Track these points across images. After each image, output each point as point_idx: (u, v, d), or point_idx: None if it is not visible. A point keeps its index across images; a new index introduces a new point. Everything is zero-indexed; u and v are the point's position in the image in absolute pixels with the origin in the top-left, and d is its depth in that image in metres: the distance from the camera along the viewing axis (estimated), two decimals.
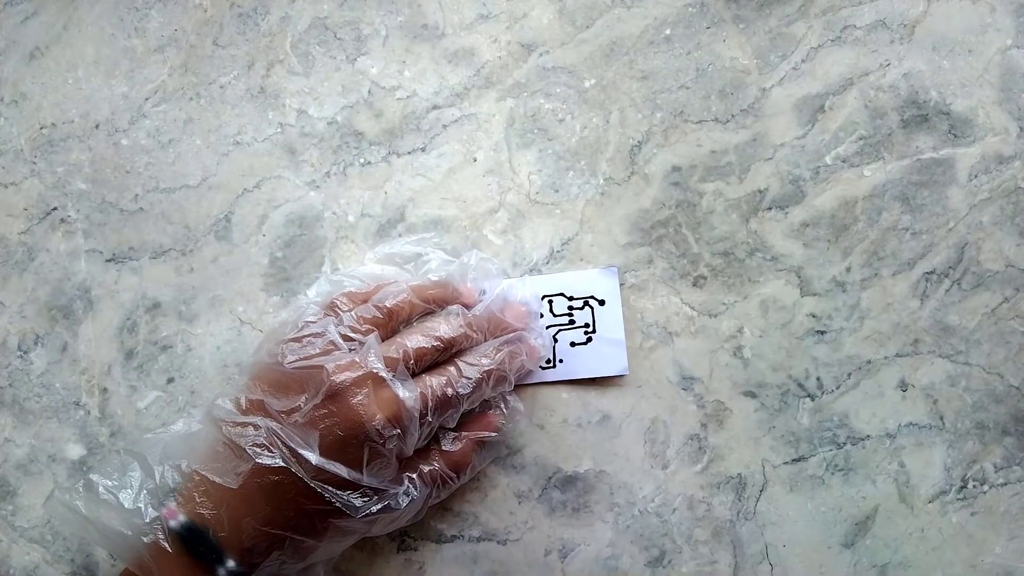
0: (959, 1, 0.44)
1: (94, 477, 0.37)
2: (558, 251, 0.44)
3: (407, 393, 0.36)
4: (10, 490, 0.44)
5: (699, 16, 0.44)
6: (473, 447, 0.40)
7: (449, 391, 0.37)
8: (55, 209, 0.45)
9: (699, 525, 0.42)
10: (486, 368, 0.39)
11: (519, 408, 0.42)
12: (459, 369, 0.38)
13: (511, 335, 0.41)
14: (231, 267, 0.44)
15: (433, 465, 0.39)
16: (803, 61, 0.44)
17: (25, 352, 0.44)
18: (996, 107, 0.43)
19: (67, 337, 0.44)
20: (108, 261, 0.44)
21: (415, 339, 0.38)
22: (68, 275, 0.44)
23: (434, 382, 0.37)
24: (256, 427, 0.36)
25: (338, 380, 0.36)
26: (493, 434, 0.40)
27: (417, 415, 0.36)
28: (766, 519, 0.42)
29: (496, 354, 0.39)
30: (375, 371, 0.36)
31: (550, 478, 0.43)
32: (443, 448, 0.39)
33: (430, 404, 0.37)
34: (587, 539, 0.42)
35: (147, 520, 0.36)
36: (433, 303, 0.40)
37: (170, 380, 0.44)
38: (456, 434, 0.40)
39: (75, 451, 0.44)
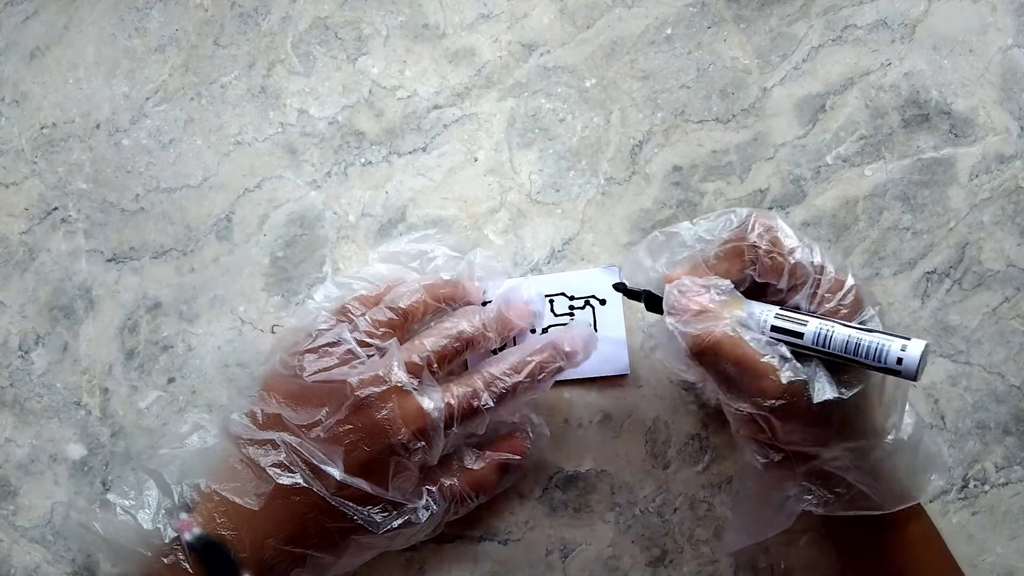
0: (960, 0, 0.44)
1: (111, 497, 0.36)
2: (559, 251, 0.44)
3: (432, 404, 0.36)
4: (11, 490, 0.43)
5: (700, 16, 0.44)
6: (495, 468, 0.39)
7: (475, 403, 0.36)
8: (56, 209, 0.45)
9: (700, 524, 0.42)
10: (513, 383, 0.37)
11: (545, 433, 0.41)
12: (485, 380, 0.37)
13: (545, 343, 0.38)
14: (232, 267, 0.44)
15: (454, 480, 0.38)
16: (804, 61, 0.44)
17: (26, 352, 0.44)
18: (997, 107, 0.43)
19: (68, 337, 0.44)
20: (109, 261, 0.44)
21: (436, 341, 0.37)
22: (69, 275, 0.44)
23: (460, 392, 0.37)
24: (275, 445, 0.36)
25: (363, 395, 0.35)
26: (517, 457, 0.40)
27: (442, 425, 0.36)
28: None
29: (524, 368, 0.37)
30: (399, 384, 0.36)
31: (551, 478, 0.43)
32: (465, 466, 0.39)
33: (456, 414, 0.36)
34: (588, 539, 0.42)
35: (166, 541, 0.35)
36: (445, 301, 0.39)
37: (171, 380, 0.44)
38: (480, 453, 0.39)
39: (76, 451, 0.44)
